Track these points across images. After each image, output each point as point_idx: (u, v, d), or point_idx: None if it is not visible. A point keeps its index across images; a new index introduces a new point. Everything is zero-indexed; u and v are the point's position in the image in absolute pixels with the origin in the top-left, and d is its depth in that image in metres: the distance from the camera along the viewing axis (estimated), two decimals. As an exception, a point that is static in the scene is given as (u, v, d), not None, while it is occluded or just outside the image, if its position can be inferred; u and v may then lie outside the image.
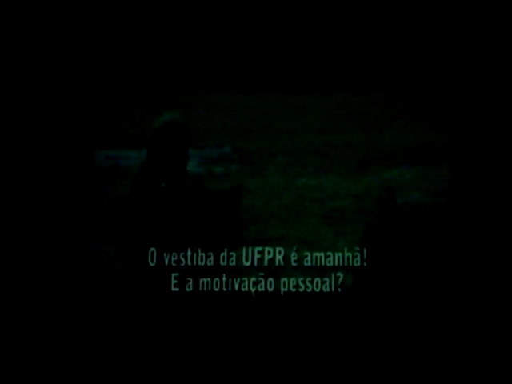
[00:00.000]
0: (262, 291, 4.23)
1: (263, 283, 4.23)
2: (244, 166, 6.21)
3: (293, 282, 4.22)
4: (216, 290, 4.24)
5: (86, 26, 4.76)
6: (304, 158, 4.93)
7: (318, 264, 4.22)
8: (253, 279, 4.23)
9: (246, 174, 5.61)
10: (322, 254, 4.21)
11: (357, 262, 4.18)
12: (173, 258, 4.25)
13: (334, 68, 4.56)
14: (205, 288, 4.24)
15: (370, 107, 4.78)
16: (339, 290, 4.18)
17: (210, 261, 4.24)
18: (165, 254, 4.24)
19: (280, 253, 4.24)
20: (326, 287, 4.19)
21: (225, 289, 4.23)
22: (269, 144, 5.30)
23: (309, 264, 4.22)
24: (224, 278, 4.24)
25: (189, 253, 4.25)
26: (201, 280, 4.25)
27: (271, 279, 4.23)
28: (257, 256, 4.24)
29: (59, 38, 4.75)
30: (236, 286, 4.23)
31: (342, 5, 4.54)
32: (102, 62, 4.76)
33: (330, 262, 4.21)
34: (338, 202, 6.42)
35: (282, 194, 4.89)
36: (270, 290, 4.22)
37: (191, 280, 4.25)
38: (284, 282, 4.22)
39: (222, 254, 4.23)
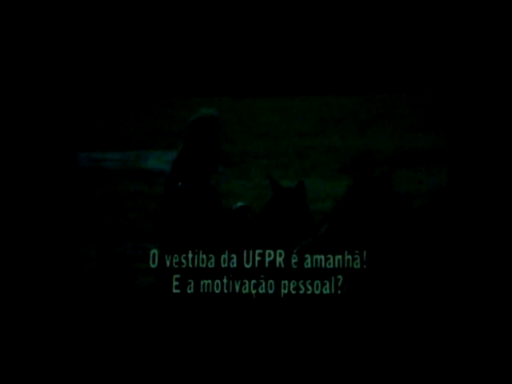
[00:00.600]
0: (263, 293, 4.27)
1: (264, 285, 4.27)
2: (228, 169, 6.24)
3: (293, 284, 4.27)
4: (217, 291, 4.26)
5: (69, 31, 4.71)
6: (287, 161, 4.99)
7: (318, 266, 4.28)
8: (253, 281, 4.27)
9: (230, 176, 5.63)
10: (322, 257, 4.27)
11: (357, 264, 4.25)
12: (174, 260, 4.26)
13: (318, 71, 4.62)
14: (206, 290, 4.26)
15: (352, 111, 4.86)
16: (339, 292, 4.25)
17: (211, 263, 4.26)
18: (166, 256, 4.25)
19: (280, 255, 4.29)
20: (326, 289, 4.25)
21: (226, 291, 4.26)
22: (252, 147, 5.34)
23: (309, 266, 4.28)
24: (225, 280, 4.26)
25: (190, 254, 4.26)
26: (202, 282, 4.26)
27: (271, 281, 4.28)
28: (257, 258, 4.28)
29: (44, 42, 4.69)
30: (237, 288, 4.26)
31: (324, 8, 4.60)
32: (88, 64, 4.72)
33: (329, 264, 4.27)
34: (320, 204, 6.51)
35: (265, 196, 4.93)
36: (271, 291, 4.27)
37: (192, 282, 4.26)
38: (284, 284, 4.27)
39: (223, 256, 4.26)
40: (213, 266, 4.25)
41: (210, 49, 4.69)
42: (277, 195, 4.37)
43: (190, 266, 4.24)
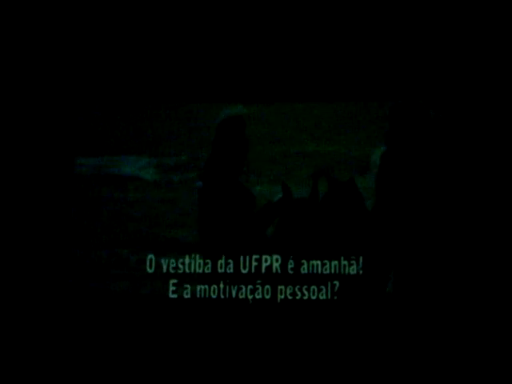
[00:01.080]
0: (259, 298, 4.25)
1: (260, 290, 4.26)
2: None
3: (289, 289, 4.27)
4: (213, 296, 4.22)
5: (63, 38, 4.64)
6: (259, 167, 4.99)
7: (315, 272, 4.29)
8: (250, 286, 4.25)
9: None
10: (319, 262, 4.29)
11: (353, 270, 4.28)
12: (171, 265, 4.21)
13: (290, 78, 4.67)
14: (202, 295, 4.22)
15: (324, 118, 4.90)
16: (335, 297, 4.27)
17: (208, 268, 4.22)
18: (163, 261, 4.19)
19: (277, 260, 4.28)
20: (322, 295, 4.27)
21: (222, 296, 4.23)
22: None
23: (305, 272, 4.29)
24: (222, 285, 4.23)
25: (187, 259, 4.21)
26: (198, 287, 4.22)
27: (268, 286, 4.27)
28: (254, 263, 4.26)
29: (40, 47, 4.62)
30: (233, 293, 4.23)
31: (300, 19, 4.65)
32: (85, 69, 4.65)
33: (326, 269, 4.29)
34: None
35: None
36: (267, 297, 4.25)
37: (189, 287, 4.22)
38: (281, 290, 4.27)
39: (219, 261, 4.23)
40: (209, 271, 4.22)
41: (187, 56, 4.68)
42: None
43: (187, 271, 4.20)
